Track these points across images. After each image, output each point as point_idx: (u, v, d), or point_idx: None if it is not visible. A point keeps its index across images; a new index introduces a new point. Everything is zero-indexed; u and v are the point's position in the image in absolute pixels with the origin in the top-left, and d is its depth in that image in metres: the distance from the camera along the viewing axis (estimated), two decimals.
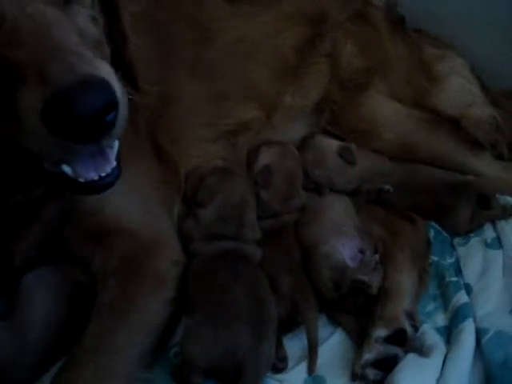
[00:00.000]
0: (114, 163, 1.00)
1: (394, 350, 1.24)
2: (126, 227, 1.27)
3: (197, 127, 1.57)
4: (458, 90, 1.77)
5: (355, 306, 1.34)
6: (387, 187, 1.57)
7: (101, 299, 1.20)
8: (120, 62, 1.19)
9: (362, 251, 1.40)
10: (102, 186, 1.00)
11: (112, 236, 1.26)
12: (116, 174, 1.00)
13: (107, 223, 1.26)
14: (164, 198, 1.41)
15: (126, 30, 1.21)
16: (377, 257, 1.36)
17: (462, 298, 1.35)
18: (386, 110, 1.71)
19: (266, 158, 1.60)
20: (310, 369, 1.25)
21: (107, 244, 1.26)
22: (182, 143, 1.53)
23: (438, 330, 1.31)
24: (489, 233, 1.52)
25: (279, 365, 1.25)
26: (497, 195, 1.57)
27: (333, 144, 1.68)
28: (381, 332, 1.26)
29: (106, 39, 1.15)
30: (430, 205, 1.59)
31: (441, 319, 1.34)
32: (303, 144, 1.70)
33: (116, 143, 1.01)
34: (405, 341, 1.26)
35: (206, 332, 1.18)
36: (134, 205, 1.17)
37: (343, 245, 1.40)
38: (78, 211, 1.24)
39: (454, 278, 1.42)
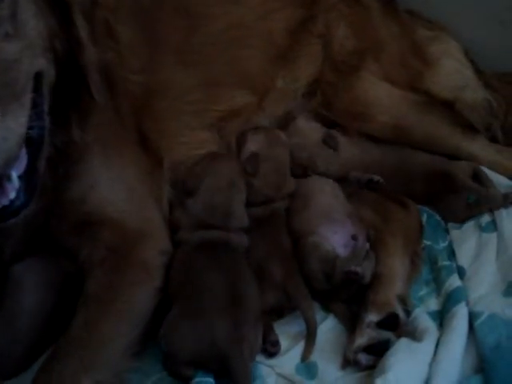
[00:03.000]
0: (12, 195, 1.02)
1: (386, 334, 1.24)
2: (112, 217, 1.26)
3: (185, 115, 1.54)
4: (452, 72, 1.75)
5: (347, 295, 1.33)
6: (377, 178, 1.57)
7: (87, 290, 1.19)
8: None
9: (354, 238, 1.39)
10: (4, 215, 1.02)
11: (97, 226, 1.25)
12: (20, 203, 1.03)
13: (92, 213, 1.25)
14: (151, 187, 1.39)
15: (80, 36, 1.15)
16: (367, 245, 1.35)
17: (454, 282, 1.34)
18: (379, 92, 1.70)
19: (253, 144, 1.59)
20: (306, 354, 1.25)
21: (93, 234, 1.25)
22: (169, 132, 1.50)
23: (431, 314, 1.30)
24: (484, 217, 1.50)
25: (271, 349, 1.25)
26: (496, 183, 1.54)
27: (317, 129, 1.68)
28: (373, 317, 1.25)
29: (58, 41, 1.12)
30: (423, 192, 1.58)
31: (433, 304, 1.34)
32: (286, 126, 1.69)
33: (14, 176, 1.03)
34: (397, 325, 1.26)
35: (184, 323, 1.18)
36: (120, 194, 1.16)
37: (335, 232, 1.39)
38: (63, 202, 1.23)
39: (447, 262, 1.41)
